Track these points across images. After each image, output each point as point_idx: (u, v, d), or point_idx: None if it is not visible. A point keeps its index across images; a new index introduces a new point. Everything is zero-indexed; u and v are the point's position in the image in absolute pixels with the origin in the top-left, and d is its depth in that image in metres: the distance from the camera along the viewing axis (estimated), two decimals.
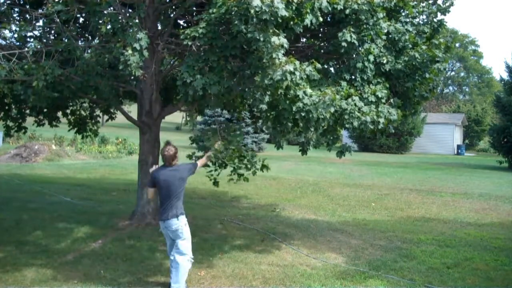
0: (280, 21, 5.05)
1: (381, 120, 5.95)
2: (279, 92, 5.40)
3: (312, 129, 6.06)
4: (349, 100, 5.81)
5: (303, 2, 5.27)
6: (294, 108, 5.50)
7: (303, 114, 5.50)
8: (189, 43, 5.48)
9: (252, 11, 4.82)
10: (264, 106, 5.75)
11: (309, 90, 5.50)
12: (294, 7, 5.22)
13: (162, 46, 6.67)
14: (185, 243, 5.09)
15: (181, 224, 5.03)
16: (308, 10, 5.37)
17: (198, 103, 6.59)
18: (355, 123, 5.78)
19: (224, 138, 6.72)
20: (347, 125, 5.94)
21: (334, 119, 5.80)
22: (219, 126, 6.87)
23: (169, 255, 5.25)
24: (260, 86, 5.36)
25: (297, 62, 5.23)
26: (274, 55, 5.04)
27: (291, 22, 5.33)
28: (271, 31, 5.00)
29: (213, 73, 5.53)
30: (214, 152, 5.97)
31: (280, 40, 5.03)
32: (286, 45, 5.12)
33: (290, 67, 5.08)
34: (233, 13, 5.05)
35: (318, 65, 5.60)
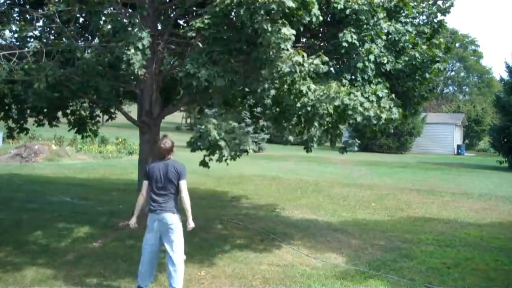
0: (287, 11, 5.00)
1: (383, 115, 5.94)
2: (284, 87, 5.37)
3: (316, 124, 6.02)
4: (351, 95, 5.81)
5: None
6: (298, 104, 5.48)
7: (308, 109, 5.49)
8: (193, 34, 5.42)
9: (260, 0, 4.78)
10: (269, 100, 5.72)
11: (313, 86, 5.49)
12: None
13: (162, 46, 6.66)
14: (180, 240, 4.92)
15: (177, 220, 4.88)
16: (314, 0, 5.36)
17: (200, 96, 6.43)
18: (359, 118, 5.78)
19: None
20: (350, 121, 5.93)
21: (337, 114, 5.79)
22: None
23: (143, 252, 4.99)
24: (266, 80, 5.33)
25: (305, 54, 5.22)
26: (283, 46, 4.98)
27: (299, 12, 5.29)
28: (280, 22, 4.96)
29: (217, 66, 5.48)
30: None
31: (289, 30, 4.99)
32: (293, 37, 5.10)
33: (299, 59, 5.06)
34: (237, 4, 4.98)
35: (325, 58, 5.57)
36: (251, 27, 5.04)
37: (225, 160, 5.75)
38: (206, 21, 5.29)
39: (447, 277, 5.90)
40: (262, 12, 4.88)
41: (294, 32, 5.10)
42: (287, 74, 5.09)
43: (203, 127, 5.36)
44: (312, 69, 5.32)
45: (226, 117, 5.74)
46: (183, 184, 4.87)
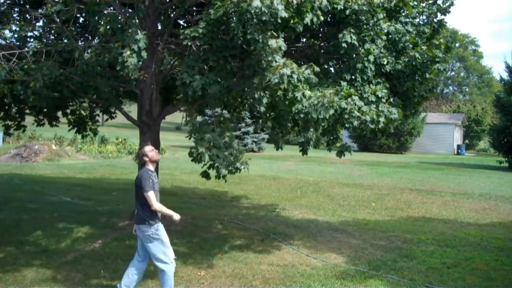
0: (280, 21, 5.06)
1: (381, 119, 5.95)
2: (278, 94, 5.39)
3: (312, 129, 6.02)
4: (349, 99, 5.81)
5: (303, 1, 5.28)
6: (293, 110, 5.50)
7: (302, 116, 5.50)
8: (189, 43, 5.48)
9: (252, 11, 4.82)
10: (262, 108, 5.75)
11: (307, 92, 5.49)
12: (294, 7, 5.22)
13: (162, 46, 6.67)
14: (156, 248, 4.68)
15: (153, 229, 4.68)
16: (308, 9, 5.38)
17: (197, 103, 6.58)
18: (355, 123, 5.79)
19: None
20: (347, 125, 5.95)
21: (334, 119, 5.79)
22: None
23: (137, 261, 4.85)
24: (258, 88, 5.35)
25: (295, 66, 5.20)
26: (270, 58, 5.03)
27: (291, 21, 5.34)
28: (269, 33, 4.99)
29: (212, 73, 5.53)
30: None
31: (277, 43, 5.02)
32: (284, 48, 5.11)
33: (287, 71, 5.05)
34: (231, 15, 5.04)
35: (317, 68, 5.57)
36: (243, 38, 5.06)
37: (223, 177, 5.77)
38: (200, 30, 5.33)
39: (447, 277, 5.91)
40: (255, 21, 4.89)
41: (283, 44, 5.10)
42: (275, 85, 5.10)
43: (196, 150, 5.43)
44: (303, 79, 5.28)
45: (224, 129, 5.82)
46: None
